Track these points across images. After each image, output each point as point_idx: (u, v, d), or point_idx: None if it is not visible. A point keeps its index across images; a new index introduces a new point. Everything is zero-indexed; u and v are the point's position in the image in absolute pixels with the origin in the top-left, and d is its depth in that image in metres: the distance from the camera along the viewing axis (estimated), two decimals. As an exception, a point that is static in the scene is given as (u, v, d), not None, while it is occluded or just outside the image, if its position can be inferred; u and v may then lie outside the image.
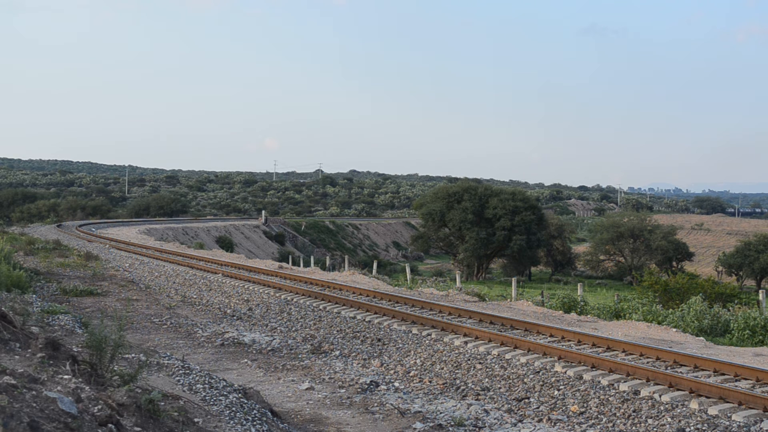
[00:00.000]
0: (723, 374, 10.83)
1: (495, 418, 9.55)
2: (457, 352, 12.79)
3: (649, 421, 9.20)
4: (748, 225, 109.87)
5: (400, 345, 13.68)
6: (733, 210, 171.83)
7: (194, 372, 9.20)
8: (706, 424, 8.89)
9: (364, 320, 15.66)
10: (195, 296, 20.43)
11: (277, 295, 19.37)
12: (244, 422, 7.26)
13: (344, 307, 17.24)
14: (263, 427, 7.32)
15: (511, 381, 11.20)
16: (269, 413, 8.29)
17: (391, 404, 10.06)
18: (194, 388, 8.40)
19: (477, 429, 9.10)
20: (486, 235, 59.29)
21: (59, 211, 78.33)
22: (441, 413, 9.68)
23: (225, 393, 8.33)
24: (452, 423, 9.22)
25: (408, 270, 38.63)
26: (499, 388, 11.03)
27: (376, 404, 10.14)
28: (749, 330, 17.99)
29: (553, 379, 10.96)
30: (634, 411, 9.54)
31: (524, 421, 9.54)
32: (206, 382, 8.74)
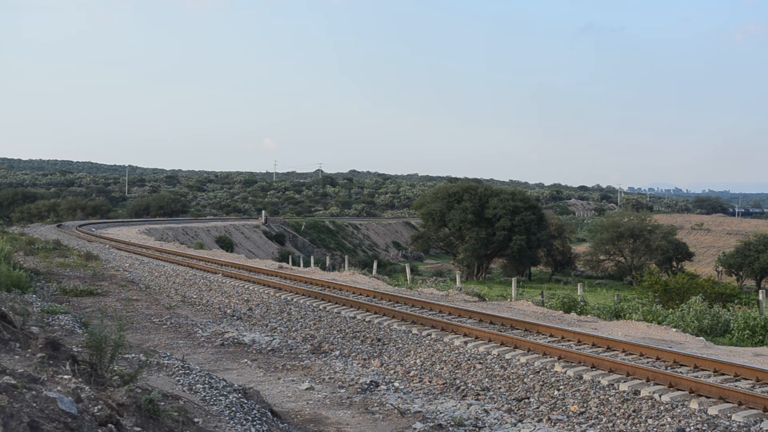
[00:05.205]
0: (723, 374, 10.83)
1: (495, 418, 9.55)
2: (457, 352, 12.79)
3: (649, 421, 9.20)
4: (748, 225, 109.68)
5: (400, 345, 13.67)
6: (733, 210, 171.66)
7: (194, 372, 9.20)
8: (706, 424, 8.89)
9: (364, 320, 15.66)
10: (195, 296, 20.43)
11: (277, 295, 19.37)
12: (244, 422, 7.25)
13: (344, 307, 17.24)
14: (263, 427, 7.32)
15: (511, 381, 11.20)
16: (269, 413, 8.29)
17: (391, 404, 10.06)
18: (194, 388, 8.40)
19: (477, 429, 9.10)
20: (486, 235, 59.27)
21: (59, 211, 78.35)
22: (441, 413, 9.67)
23: (225, 393, 8.32)
24: (452, 423, 9.22)
25: (408, 270, 38.59)
26: (499, 388, 11.03)
27: (376, 404, 10.14)
28: (749, 330, 17.98)
29: (553, 379, 10.96)
30: (634, 411, 9.54)
31: (524, 421, 9.54)
32: (206, 382, 8.74)
